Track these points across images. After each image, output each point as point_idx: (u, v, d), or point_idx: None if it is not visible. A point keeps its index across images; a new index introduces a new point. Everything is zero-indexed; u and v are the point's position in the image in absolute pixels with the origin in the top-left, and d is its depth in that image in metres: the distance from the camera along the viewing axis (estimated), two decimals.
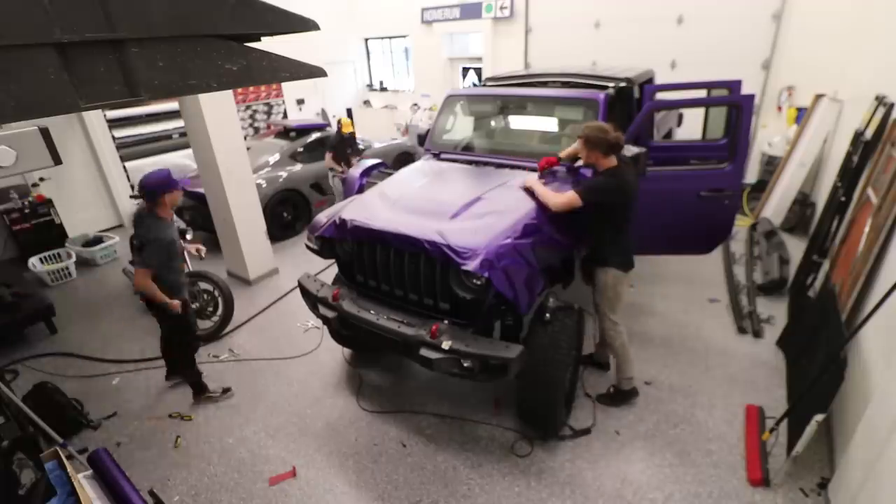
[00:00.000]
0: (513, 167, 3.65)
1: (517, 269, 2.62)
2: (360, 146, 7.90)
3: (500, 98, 4.23)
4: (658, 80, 5.02)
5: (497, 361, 2.55)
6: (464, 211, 2.93)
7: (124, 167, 7.09)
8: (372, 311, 2.94)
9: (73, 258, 5.66)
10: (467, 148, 4.17)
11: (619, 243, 2.97)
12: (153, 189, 2.94)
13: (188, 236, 4.48)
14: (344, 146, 6.28)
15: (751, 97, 3.41)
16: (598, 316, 3.21)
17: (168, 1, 0.92)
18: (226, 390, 3.58)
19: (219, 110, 4.51)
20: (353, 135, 6.47)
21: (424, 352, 2.65)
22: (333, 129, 7.00)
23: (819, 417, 2.41)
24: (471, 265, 2.50)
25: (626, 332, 3.17)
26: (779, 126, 6.55)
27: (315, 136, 6.82)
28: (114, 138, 6.93)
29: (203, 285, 4.29)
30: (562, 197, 2.87)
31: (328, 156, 6.13)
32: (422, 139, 4.44)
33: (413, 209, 3.01)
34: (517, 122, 4.37)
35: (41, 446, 2.68)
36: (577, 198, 2.80)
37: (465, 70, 10.15)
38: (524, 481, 2.79)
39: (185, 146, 7.28)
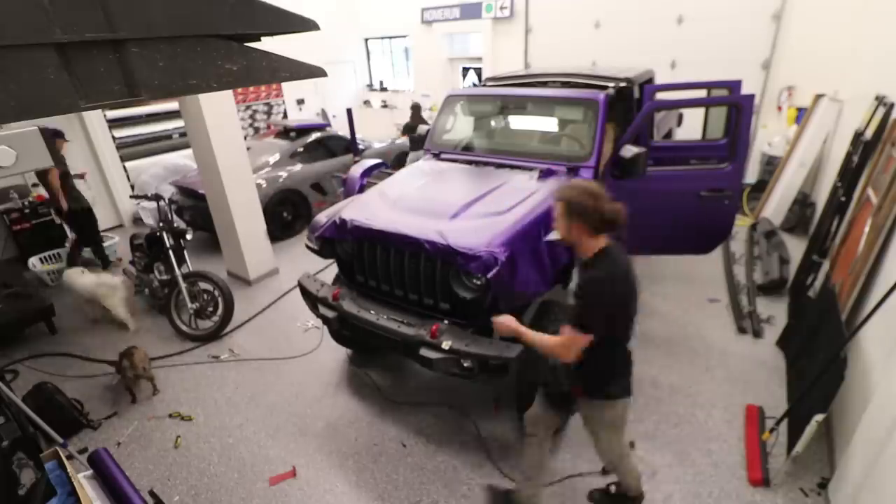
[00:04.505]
0: (513, 167, 3.65)
1: (517, 269, 2.61)
2: (361, 146, 7.89)
3: (500, 98, 4.23)
4: (658, 80, 5.02)
5: (497, 361, 2.55)
6: (464, 211, 2.93)
7: (124, 167, 7.10)
8: (372, 311, 2.95)
9: None
10: (467, 148, 4.16)
11: (621, 357, 2.09)
12: None
13: (188, 236, 4.50)
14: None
15: (751, 97, 3.41)
16: (597, 447, 2.30)
17: (168, 1, 0.92)
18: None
19: (219, 110, 4.51)
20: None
21: (424, 352, 2.65)
22: (334, 129, 7.01)
23: (819, 417, 2.41)
24: (472, 265, 2.50)
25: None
26: (779, 126, 6.55)
27: (315, 136, 6.82)
28: (114, 138, 6.94)
29: (203, 285, 4.30)
30: (556, 341, 1.92)
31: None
32: (422, 139, 4.43)
33: (413, 209, 3.01)
34: (517, 122, 4.37)
35: (41, 446, 2.69)
36: (581, 335, 1.84)
37: (465, 70, 10.15)
38: None
39: (185, 146, 7.27)
